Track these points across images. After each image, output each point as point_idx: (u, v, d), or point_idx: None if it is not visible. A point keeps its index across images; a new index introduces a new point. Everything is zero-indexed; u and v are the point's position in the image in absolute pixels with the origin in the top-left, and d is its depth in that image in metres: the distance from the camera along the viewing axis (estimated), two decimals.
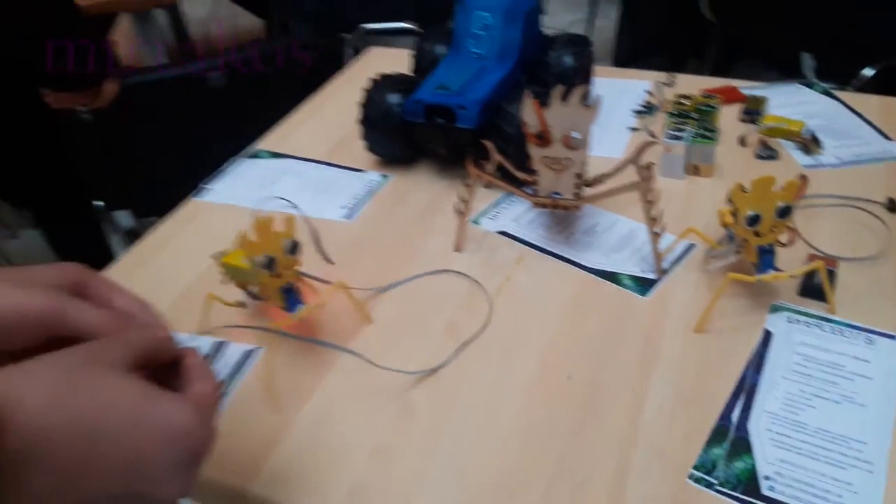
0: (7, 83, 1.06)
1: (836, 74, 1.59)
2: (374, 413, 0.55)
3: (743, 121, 0.86)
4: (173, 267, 0.71)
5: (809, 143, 0.80)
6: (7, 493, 0.31)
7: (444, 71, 0.80)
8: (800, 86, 0.94)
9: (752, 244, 0.58)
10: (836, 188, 0.74)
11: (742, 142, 0.82)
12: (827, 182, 0.75)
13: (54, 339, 0.37)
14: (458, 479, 0.49)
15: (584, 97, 0.59)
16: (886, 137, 0.82)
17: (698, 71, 2.15)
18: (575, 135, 0.60)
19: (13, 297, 0.37)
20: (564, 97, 0.60)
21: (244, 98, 1.14)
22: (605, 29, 2.61)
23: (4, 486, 0.31)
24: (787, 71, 1.74)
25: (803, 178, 0.58)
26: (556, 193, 0.65)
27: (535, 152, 0.63)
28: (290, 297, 0.57)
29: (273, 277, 0.55)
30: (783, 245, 0.59)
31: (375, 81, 0.81)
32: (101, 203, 1.32)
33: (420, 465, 0.51)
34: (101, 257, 1.29)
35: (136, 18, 1.82)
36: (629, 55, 2.28)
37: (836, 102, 0.89)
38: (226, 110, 1.13)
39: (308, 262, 0.60)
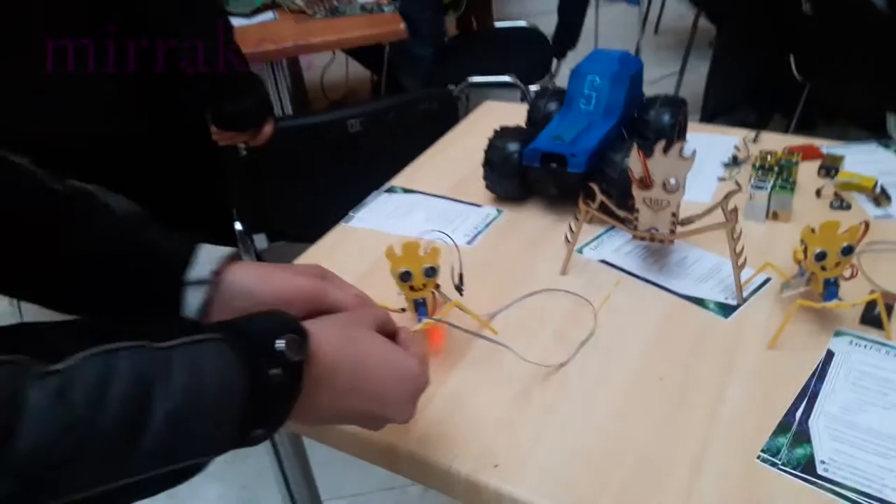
0: (186, 122, 1.27)
1: None
2: (498, 393, 0.68)
3: (820, 175, 0.97)
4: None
5: (880, 197, 0.90)
6: (309, 399, 0.47)
7: (558, 125, 0.95)
8: (877, 146, 1.04)
9: (820, 277, 0.69)
10: None
11: (818, 193, 0.93)
12: (894, 231, 0.85)
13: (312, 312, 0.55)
14: (564, 449, 0.63)
15: (681, 150, 0.73)
16: None
17: (784, 127, 2.24)
18: (672, 181, 0.73)
19: (291, 278, 0.56)
20: (665, 150, 0.73)
21: (377, 142, 1.32)
22: (692, 83, 2.72)
23: (308, 394, 0.47)
24: (872, 129, 1.82)
25: (866, 224, 0.70)
26: (654, 229, 0.78)
27: (638, 194, 0.77)
28: (420, 309, 0.71)
29: (408, 289, 0.70)
30: (846, 279, 0.70)
31: (496, 132, 0.97)
32: (240, 226, 1.53)
33: (534, 435, 0.64)
34: None
35: (268, 65, 2.05)
36: (716, 109, 2.38)
37: None
38: (361, 152, 1.32)
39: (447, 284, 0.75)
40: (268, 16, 2.09)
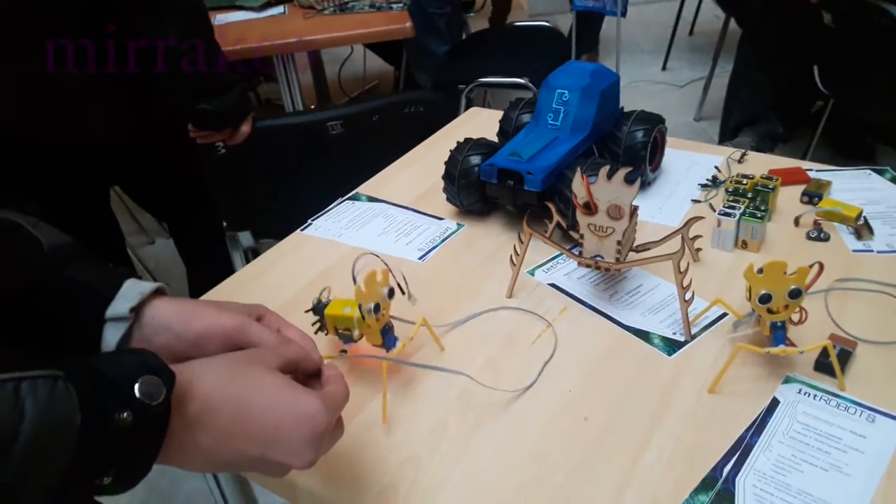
0: (165, 122, 1.26)
1: None
2: (412, 427, 0.65)
3: (802, 202, 0.91)
4: (278, 283, 0.85)
5: (862, 229, 0.84)
6: (183, 442, 0.45)
7: (521, 139, 0.91)
8: (870, 172, 0.97)
9: (766, 320, 0.64)
10: (878, 274, 0.78)
11: (797, 222, 0.87)
12: (871, 267, 0.79)
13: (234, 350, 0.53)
14: (468, 494, 0.59)
15: (627, 176, 0.68)
16: None
17: (808, 140, 2.15)
18: (617, 208, 0.69)
19: (214, 316, 0.55)
20: (610, 175, 0.69)
21: (359, 144, 1.29)
22: (722, 88, 2.62)
23: (181, 437, 0.45)
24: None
25: (820, 265, 0.64)
26: (599, 256, 0.73)
27: (583, 219, 0.72)
28: (389, 336, 0.68)
29: (377, 320, 0.66)
30: (795, 323, 0.64)
31: (460, 143, 0.93)
32: (225, 224, 1.52)
33: (441, 475, 0.60)
34: (222, 269, 1.48)
35: (278, 59, 2.04)
36: (741, 120, 2.29)
37: None
38: (342, 155, 1.29)
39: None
40: (277, 10, 2.07)
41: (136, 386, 0.42)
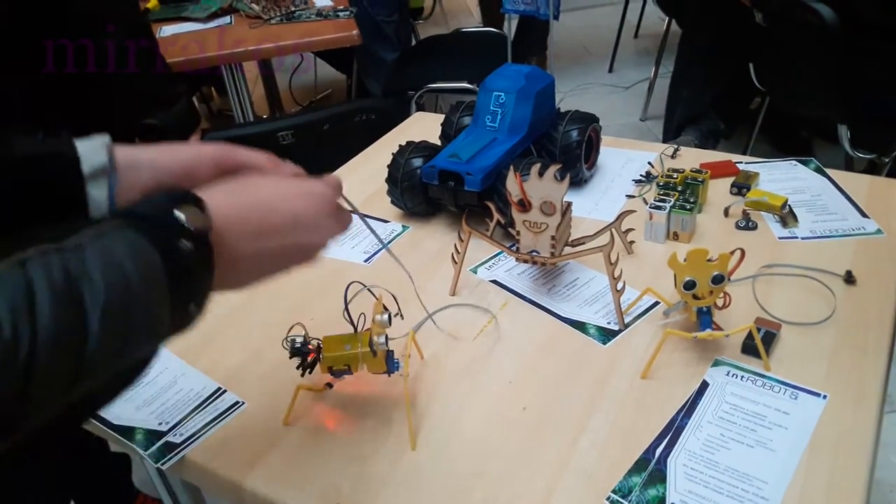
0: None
1: (873, 145, 1.64)
2: (357, 424, 0.66)
3: (732, 193, 0.95)
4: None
5: (787, 217, 0.88)
6: (229, 254, 0.47)
7: (461, 141, 0.93)
8: (796, 163, 1.01)
9: (692, 306, 0.67)
10: (802, 259, 0.81)
11: (726, 213, 0.91)
12: (796, 253, 0.83)
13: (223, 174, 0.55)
14: (410, 488, 0.60)
15: (558, 173, 0.70)
16: (864, 215, 0.88)
17: (748, 136, 2.22)
18: (549, 204, 0.71)
19: (197, 146, 0.56)
20: (541, 173, 0.71)
21: (311, 154, 1.30)
22: (668, 88, 2.67)
23: (225, 249, 0.46)
24: (832, 140, 1.80)
25: (742, 251, 0.67)
26: (535, 252, 0.76)
27: (518, 216, 0.74)
28: (392, 361, 0.66)
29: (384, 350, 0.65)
30: (720, 308, 0.67)
31: (402, 147, 0.94)
32: None
33: (384, 471, 0.61)
34: None
35: (226, 68, 2.03)
36: (683, 119, 2.34)
37: (825, 180, 0.97)
38: (293, 163, 1.29)
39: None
40: (224, 20, 2.07)
41: (179, 214, 0.44)
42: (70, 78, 1.12)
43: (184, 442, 0.66)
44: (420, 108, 2.25)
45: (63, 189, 0.50)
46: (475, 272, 0.85)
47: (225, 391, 0.71)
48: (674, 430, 0.63)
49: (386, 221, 0.97)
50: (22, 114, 1.12)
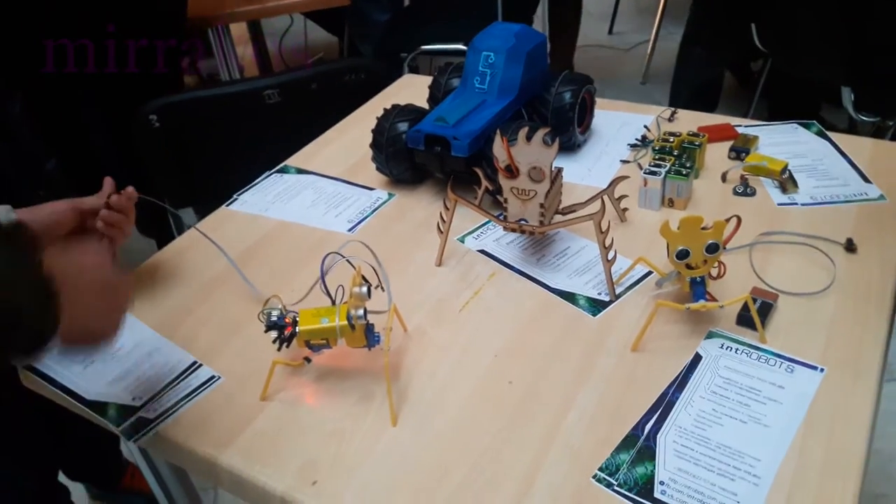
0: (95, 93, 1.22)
1: (878, 107, 1.60)
2: (337, 400, 0.64)
3: (730, 157, 0.91)
4: (201, 261, 0.83)
5: (786, 183, 0.84)
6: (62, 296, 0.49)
7: (448, 104, 0.89)
8: (797, 126, 0.98)
9: (685, 276, 0.64)
10: (802, 226, 0.78)
11: (724, 178, 0.87)
12: (795, 220, 0.80)
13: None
14: (391, 464, 0.58)
15: (546, 137, 0.67)
16: (866, 180, 0.85)
17: (748, 100, 2.16)
18: (538, 170, 0.68)
19: (45, 207, 0.68)
20: (529, 137, 0.67)
21: (297, 113, 1.26)
22: (668, 51, 2.61)
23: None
24: (836, 103, 1.75)
25: (738, 219, 0.64)
26: (524, 220, 0.73)
27: (505, 183, 0.71)
28: (372, 335, 0.64)
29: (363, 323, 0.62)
30: (714, 278, 0.65)
31: (387, 111, 0.91)
32: (167, 201, 1.47)
33: (363, 447, 0.59)
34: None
35: (213, 31, 1.98)
36: (692, 87, 2.26)
37: (827, 143, 0.93)
38: (280, 124, 1.26)
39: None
40: None
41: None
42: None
43: (157, 417, 0.64)
44: (413, 72, 2.20)
45: None
46: (462, 241, 0.82)
47: (201, 365, 0.69)
48: (664, 405, 0.61)
49: (371, 189, 0.94)
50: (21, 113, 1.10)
